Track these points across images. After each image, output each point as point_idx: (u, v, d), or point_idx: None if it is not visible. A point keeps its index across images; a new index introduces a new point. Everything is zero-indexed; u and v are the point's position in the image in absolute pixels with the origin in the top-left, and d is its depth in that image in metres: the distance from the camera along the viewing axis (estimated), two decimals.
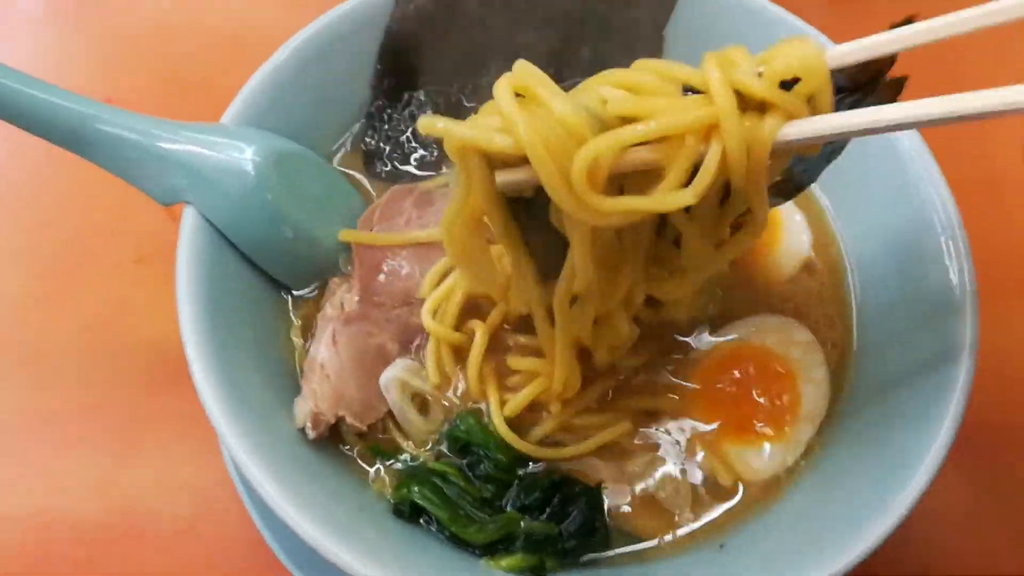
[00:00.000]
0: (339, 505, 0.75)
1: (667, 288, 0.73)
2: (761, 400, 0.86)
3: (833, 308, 0.92)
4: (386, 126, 0.99)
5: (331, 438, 0.83)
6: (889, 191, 0.88)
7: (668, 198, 0.59)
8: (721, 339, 0.89)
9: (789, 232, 0.96)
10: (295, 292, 0.91)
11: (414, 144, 0.99)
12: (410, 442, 0.84)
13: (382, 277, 0.89)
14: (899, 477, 0.73)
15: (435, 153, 0.99)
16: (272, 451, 0.73)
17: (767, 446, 0.84)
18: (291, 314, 0.90)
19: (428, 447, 0.83)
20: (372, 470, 0.83)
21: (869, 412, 0.84)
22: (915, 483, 0.71)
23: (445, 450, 0.83)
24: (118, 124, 0.80)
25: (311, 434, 0.80)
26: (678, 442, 0.84)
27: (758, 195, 0.62)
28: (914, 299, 0.84)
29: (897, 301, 0.87)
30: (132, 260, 1.12)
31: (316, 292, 0.91)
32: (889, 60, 0.62)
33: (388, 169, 0.99)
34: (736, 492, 0.83)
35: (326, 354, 0.84)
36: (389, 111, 1.00)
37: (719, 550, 0.80)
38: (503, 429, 0.81)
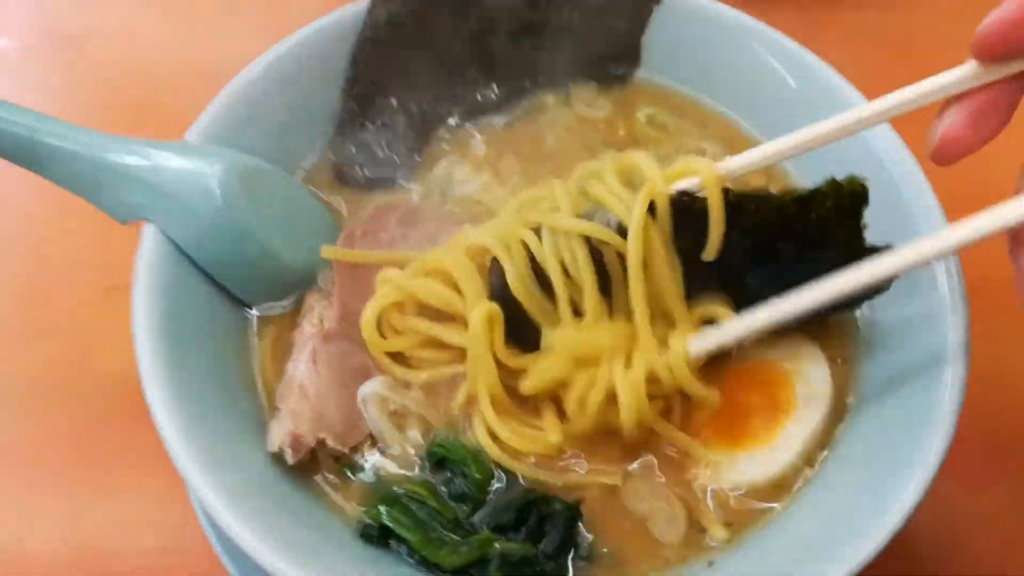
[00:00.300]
0: (304, 532, 0.71)
1: None
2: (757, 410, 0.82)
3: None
4: (358, 134, 0.97)
5: (303, 465, 0.79)
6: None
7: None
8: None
9: None
10: (260, 311, 0.87)
11: (389, 153, 0.97)
12: (391, 463, 0.80)
13: (362, 295, 0.85)
14: (896, 483, 0.70)
15: (416, 158, 0.97)
16: (235, 480, 0.70)
17: (766, 453, 0.80)
18: (256, 335, 0.86)
19: (413, 470, 0.80)
20: (337, 494, 0.79)
21: (862, 425, 0.81)
22: (914, 485, 0.69)
23: (420, 470, 0.79)
24: (71, 139, 0.78)
25: (290, 458, 0.76)
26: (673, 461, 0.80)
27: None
28: (904, 300, 0.82)
29: (887, 305, 0.84)
30: (101, 290, 1.09)
31: (284, 311, 0.88)
32: None
33: (361, 177, 0.96)
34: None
35: (306, 372, 0.80)
36: (361, 119, 0.97)
37: (708, 567, 0.76)
38: (486, 441, 0.78)
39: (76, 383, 1.03)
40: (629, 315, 0.74)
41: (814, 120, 0.74)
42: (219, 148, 0.85)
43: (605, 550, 0.77)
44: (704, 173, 0.70)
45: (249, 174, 0.83)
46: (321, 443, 0.78)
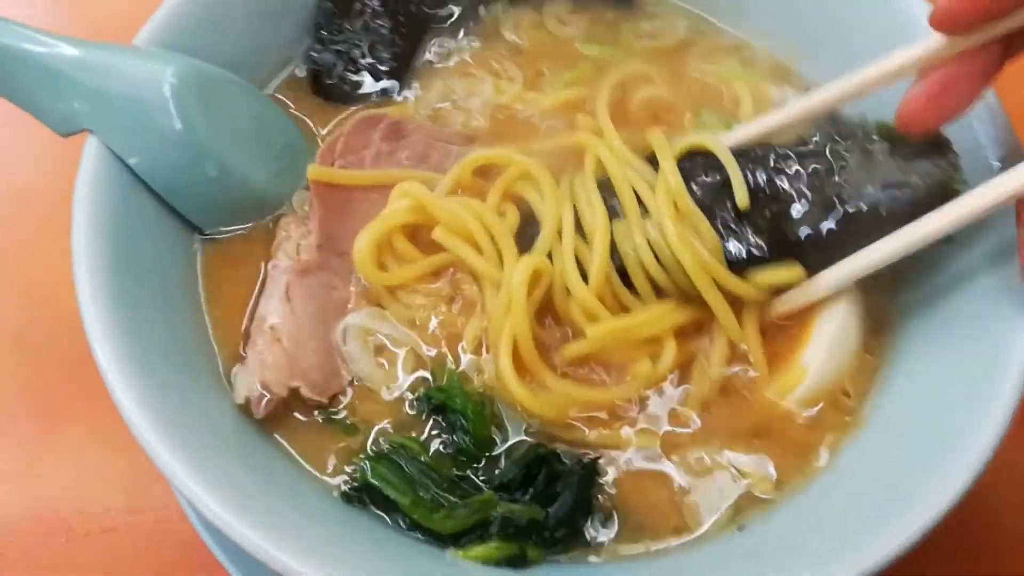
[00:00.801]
0: (275, 494, 0.61)
1: None
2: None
3: None
4: (336, 38, 0.84)
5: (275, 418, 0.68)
6: None
7: None
8: None
9: None
10: (215, 235, 0.75)
11: (370, 59, 0.84)
12: (375, 408, 0.69)
13: (347, 221, 0.74)
14: (948, 460, 0.59)
15: (396, 66, 0.84)
16: (192, 431, 0.59)
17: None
18: (200, 261, 0.74)
19: (401, 418, 0.69)
20: (313, 449, 0.67)
21: (909, 393, 0.70)
22: (968, 464, 0.59)
23: (412, 413, 0.69)
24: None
25: (257, 412, 0.66)
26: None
27: None
28: (956, 257, 0.71)
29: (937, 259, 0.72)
30: (57, 230, 0.97)
31: (243, 234, 0.76)
32: None
33: (340, 86, 0.83)
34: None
35: (278, 312, 0.69)
36: (339, 21, 0.84)
37: (739, 531, 0.66)
38: (508, 372, 0.67)
39: (25, 328, 0.93)
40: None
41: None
42: (174, 53, 0.73)
43: (624, 516, 0.66)
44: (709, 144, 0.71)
45: (206, 81, 0.72)
46: (294, 392, 0.67)
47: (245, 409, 0.66)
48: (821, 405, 0.70)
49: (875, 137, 0.69)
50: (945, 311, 0.70)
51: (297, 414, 0.68)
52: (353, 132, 0.78)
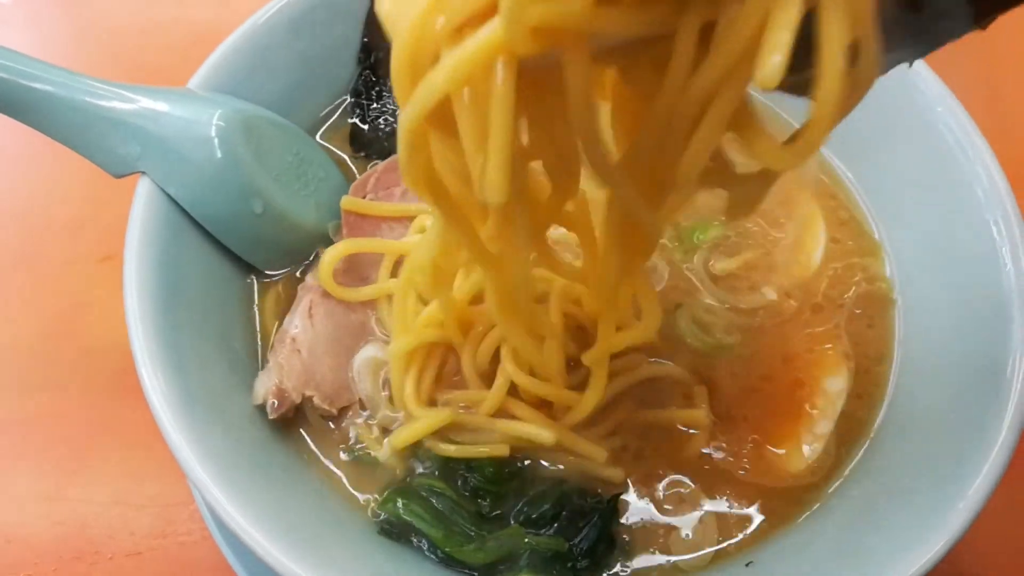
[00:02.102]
0: (316, 525, 0.62)
1: None
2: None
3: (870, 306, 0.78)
4: (374, 105, 0.86)
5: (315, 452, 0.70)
6: (926, 169, 0.75)
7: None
8: None
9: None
10: (264, 275, 0.77)
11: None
12: (384, 440, 0.70)
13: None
14: (950, 491, 0.60)
15: None
16: (235, 463, 0.60)
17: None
18: (257, 300, 0.76)
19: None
20: (349, 482, 0.69)
21: (911, 423, 0.71)
22: (971, 497, 0.59)
23: (422, 467, 0.70)
24: (57, 82, 0.67)
25: (272, 412, 0.68)
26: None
27: None
28: (960, 287, 0.72)
29: (940, 292, 0.74)
30: (97, 259, 0.98)
31: (287, 274, 0.78)
32: None
33: (377, 143, 0.85)
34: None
35: (300, 326, 0.72)
36: (378, 88, 0.86)
37: (746, 568, 0.67)
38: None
39: (63, 357, 0.93)
40: None
41: None
42: (223, 96, 0.75)
43: (638, 547, 0.67)
44: None
45: (253, 123, 0.73)
46: (307, 400, 0.69)
47: (261, 409, 0.68)
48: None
49: None
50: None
51: (311, 421, 0.70)
52: (386, 170, 0.80)
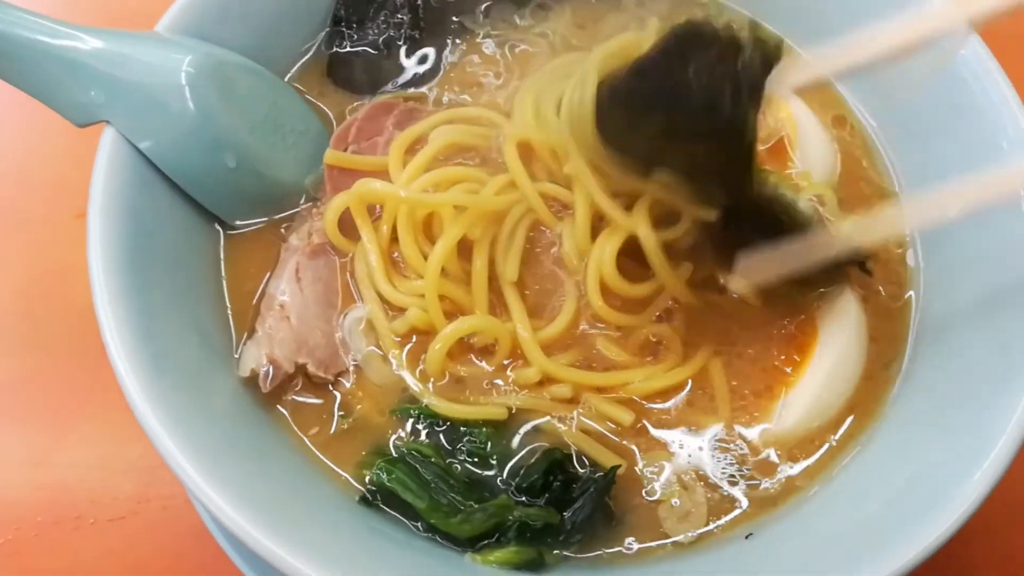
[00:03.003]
0: (288, 495, 0.58)
1: None
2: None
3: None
4: (356, 28, 0.80)
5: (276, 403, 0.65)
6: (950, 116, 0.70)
7: None
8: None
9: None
10: (235, 226, 0.71)
11: (388, 50, 0.80)
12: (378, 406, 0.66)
13: None
14: (965, 463, 0.56)
15: (426, 61, 0.80)
16: (204, 428, 0.56)
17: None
18: (223, 254, 0.71)
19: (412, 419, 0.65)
20: (327, 450, 0.64)
21: (923, 398, 0.66)
22: (987, 468, 0.55)
23: (418, 425, 0.65)
24: (8, 21, 0.61)
25: (264, 385, 0.63)
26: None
27: None
28: (985, 253, 0.67)
29: (964, 256, 0.69)
30: (74, 216, 0.93)
31: (264, 225, 0.72)
32: None
33: (357, 76, 0.79)
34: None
35: (287, 291, 0.67)
36: (360, 11, 0.80)
37: (746, 539, 0.63)
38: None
39: (45, 318, 0.88)
40: None
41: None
42: (193, 40, 0.69)
43: (632, 520, 0.63)
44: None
45: (225, 70, 0.68)
46: (301, 368, 0.64)
47: (250, 383, 0.63)
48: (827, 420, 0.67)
49: None
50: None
51: (310, 399, 0.66)
52: (367, 118, 0.74)
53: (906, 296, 0.73)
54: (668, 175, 0.64)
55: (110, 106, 0.63)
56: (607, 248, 0.66)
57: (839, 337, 0.69)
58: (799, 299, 0.70)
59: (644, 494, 0.64)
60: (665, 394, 0.67)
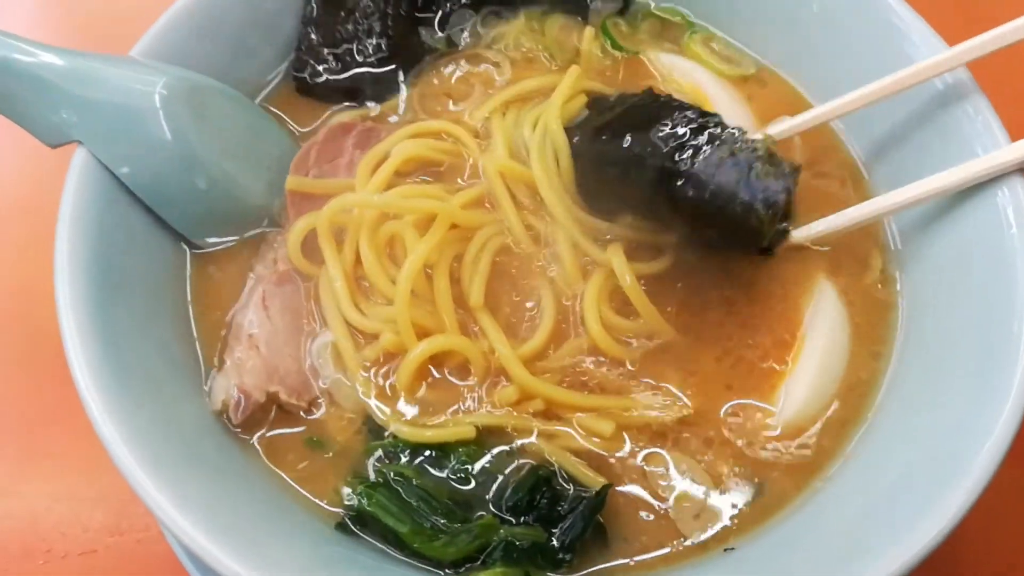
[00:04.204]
0: (264, 524, 0.55)
1: None
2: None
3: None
4: (324, 36, 0.78)
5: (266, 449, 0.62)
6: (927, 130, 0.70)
7: None
8: None
9: None
10: (204, 248, 0.69)
11: (356, 59, 0.78)
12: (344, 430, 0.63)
13: None
14: (950, 469, 0.54)
15: (383, 66, 0.78)
16: (174, 454, 0.53)
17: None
18: (189, 274, 0.68)
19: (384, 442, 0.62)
20: (304, 476, 0.61)
21: (912, 393, 0.64)
22: (976, 471, 0.53)
23: (398, 448, 0.62)
24: None
25: (235, 417, 0.60)
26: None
27: None
28: (961, 242, 0.65)
29: (943, 247, 0.67)
30: (45, 239, 0.90)
31: (231, 247, 0.70)
32: None
33: (323, 84, 0.77)
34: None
35: (256, 321, 0.64)
36: (328, 22, 0.78)
37: (725, 552, 0.61)
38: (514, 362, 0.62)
39: (6, 341, 0.85)
40: None
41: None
42: (166, 64, 0.67)
43: (617, 538, 0.61)
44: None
45: (198, 93, 0.66)
46: (273, 398, 0.62)
47: (222, 416, 0.61)
48: (814, 429, 0.65)
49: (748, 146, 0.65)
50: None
51: (283, 430, 0.63)
52: (326, 140, 0.73)
53: (891, 281, 0.71)
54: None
55: (82, 126, 0.61)
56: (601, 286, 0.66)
57: (822, 333, 0.68)
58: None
59: (639, 505, 0.62)
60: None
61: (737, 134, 0.64)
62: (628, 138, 0.65)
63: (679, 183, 0.62)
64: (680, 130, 0.64)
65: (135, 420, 0.52)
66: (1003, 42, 0.63)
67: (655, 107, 0.67)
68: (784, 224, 0.69)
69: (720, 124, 0.65)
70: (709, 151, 0.62)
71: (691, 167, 0.62)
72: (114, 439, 0.50)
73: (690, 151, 0.63)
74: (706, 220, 0.63)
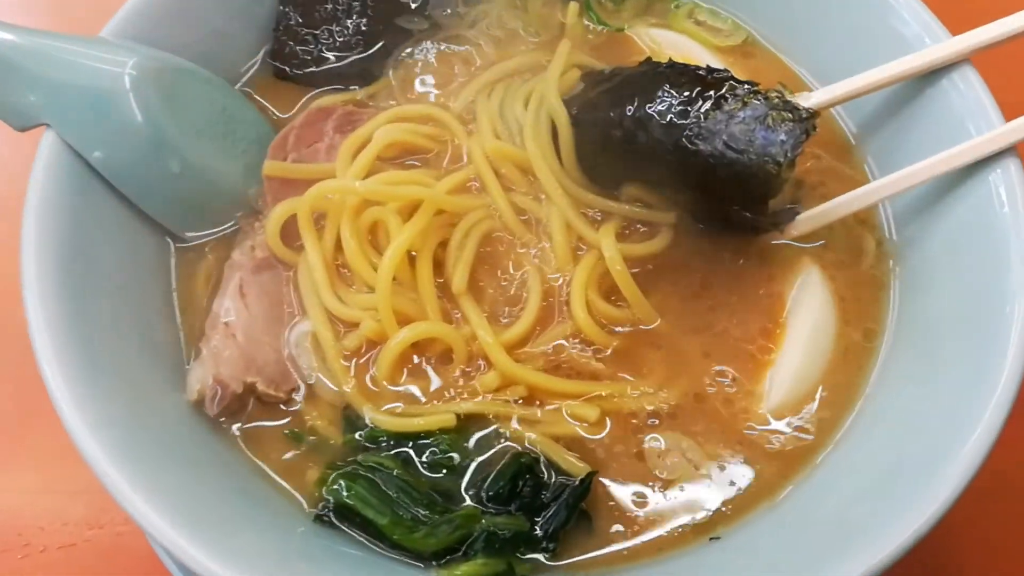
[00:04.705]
0: (239, 517, 0.53)
1: None
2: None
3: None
4: (302, 18, 0.76)
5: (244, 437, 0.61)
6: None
7: None
8: None
9: None
10: (186, 239, 0.67)
11: (336, 41, 0.76)
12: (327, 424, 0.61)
13: None
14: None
15: (362, 49, 0.76)
16: (146, 444, 0.51)
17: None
18: (174, 268, 0.67)
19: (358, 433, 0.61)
20: (282, 469, 0.60)
21: (905, 381, 0.63)
22: (966, 457, 0.51)
23: (379, 439, 0.61)
24: None
25: (212, 408, 0.59)
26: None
27: None
28: (954, 223, 0.64)
29: (935, 228, 0.66)
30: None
31: (215, 237, 0.68)
32: None
33: (301, 65, 0.75)
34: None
35: (232, 309, 0.62)
36: (307, 1, 0.76)
37: (711, 541, 0.60)
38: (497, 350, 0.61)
39: None
40: None
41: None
42: (138, 45, 0.65)
43: (601, 527, 0.59)
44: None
45: (170, 74, 0.64)
46: (250, 388, 0.60)
47: (198, 406, 0.59)
48: (803, 414, 0.64)
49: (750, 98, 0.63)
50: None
51: (262, 422, 0.61)
52: (305, 124, 0.70)
53: (883, 263, 0.69)
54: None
55: (49, 109, 0.59)
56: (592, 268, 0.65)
57: (809, 318, 0.66)
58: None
59: (624, 493, 0.60)
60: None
61: (748, 87, 0.63)
62: (635, 100, 0.64)
63: (690, 138, 0.61)
64: (689, 89, 0.63)
65: (107, 410, 0.50)
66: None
67: (659, 73, 0.66)
68: (794, 205, 0.68)
69: (732, 79, 0.64)
70: (723, 105, 0.61)
71: (703, 120, 0.61)
72: (79, 429, 0.48)
73: (704, 104, 0.62)
74: (718, 175, 0.61)
